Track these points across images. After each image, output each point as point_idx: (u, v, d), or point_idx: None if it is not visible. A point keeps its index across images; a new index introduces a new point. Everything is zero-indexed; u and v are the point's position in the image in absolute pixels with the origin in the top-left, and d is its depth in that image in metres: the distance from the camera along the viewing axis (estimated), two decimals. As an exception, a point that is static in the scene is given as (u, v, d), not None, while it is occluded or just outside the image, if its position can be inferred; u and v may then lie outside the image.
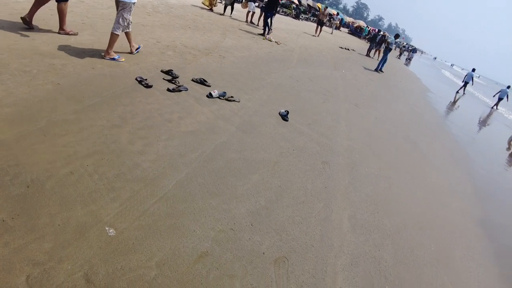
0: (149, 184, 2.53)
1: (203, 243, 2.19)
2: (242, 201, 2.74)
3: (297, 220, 2.78)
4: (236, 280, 2.02)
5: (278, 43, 11.23)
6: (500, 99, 18.95)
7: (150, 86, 4.24)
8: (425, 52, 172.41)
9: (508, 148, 10.28)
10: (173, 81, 4.65)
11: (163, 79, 4.68)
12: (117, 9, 4.70)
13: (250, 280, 2.06)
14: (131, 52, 5.27)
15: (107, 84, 3.97)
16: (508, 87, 19.61)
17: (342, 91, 8.11)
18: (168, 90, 4.34)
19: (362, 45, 27.53)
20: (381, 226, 3.23)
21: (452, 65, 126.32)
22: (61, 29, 5.19)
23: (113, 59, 4.83)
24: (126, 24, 4.79)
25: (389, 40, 15.38)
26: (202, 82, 5.00)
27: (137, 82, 4.27)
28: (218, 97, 4.68)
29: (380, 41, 18.80)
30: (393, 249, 3.00)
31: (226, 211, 2.55)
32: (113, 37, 4.71)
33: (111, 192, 2.35)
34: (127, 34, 5.02)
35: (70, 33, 5.26)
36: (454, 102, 15.84)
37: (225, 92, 4.81)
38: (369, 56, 18.86)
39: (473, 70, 21.69)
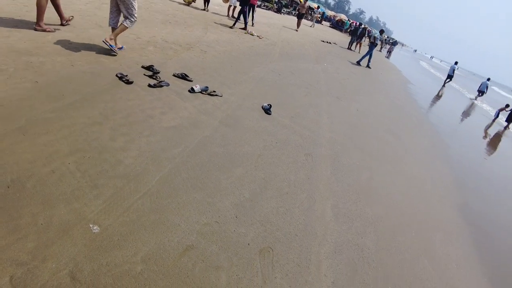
0: (132, 180, 2.53)
1: (188, 236, 2.21)
2: (226, 194, 2.77)
3: (281, 211, 2.83)
4: (222, 272, 2.06)
5: (260, 37, 11.24)
6: (480, 91, 19.62)
7: (131, 82, 4.20)
8: (405, 45, 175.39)
9: (485, 137, 10.65)
10: (154, 77, 4.61)
11: (144, 75, 4.63)
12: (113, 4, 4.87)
13: (236, 271, 2.11)
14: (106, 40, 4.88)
15: (87, 81, 3.91)
16: (488, 79, 20.28)
17: (324, 84, 8.20)
18: (149, 85, 4.31)
19: (343, 38, 27.78)
20: (363, 214, 3.33)
21: (431, 57, 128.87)
22: (38, 25, 5.06)
23: (120, 48, 5.26)
24: (135, 20, 4.93)
25: (375, 36, 15.44)
26: (184, 77, 4.98)
27: (117, 78, 4.22)
28: (200, 92, 4.68)
29: (361, 34, 19.04)
30: (375, 236, 3.10)
31: (210, 205, 2.57)
32: (123, 28, 4.92)
33: (94, 190, 2.34)
34: (120, 26, 4.95)
35: (47, 30, 5.14)
36: (439, 95, 16.16)
37: (207, 87, 4.81)
38: (351, 49, 19.09)
39: (456, 63, 22.26)
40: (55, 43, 4.73)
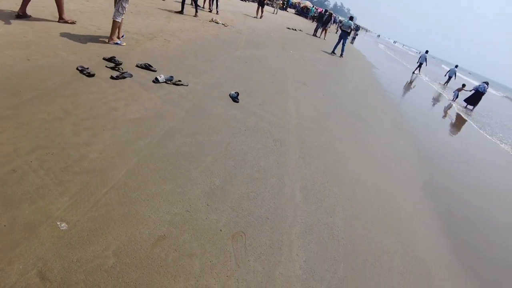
0: (99, 175, 2.49)
1: (159, 227, 2.22)
2: (196, 183, 2.79)
3: (252, 196, 2.89)
4: (195, 259, 2.10)
5: (225, 25, 11.11)
6: (449, 77, 20.66)
7: (93, 75, 4.06)
8: (369, 30, 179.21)
9: (444, 116, 11.23)
10: (117, 68, 4.48)
11: (106, 66, 4.49)
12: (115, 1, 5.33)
13: (209, 257, 2.15)
14: (109, 41, 5.60)
15: (45, 75, 3.74)
16: (456, 66, 21.34)
17: (290, 71, 8.29)
18: (112, 77, 4.19)
19: (309, 25, 27.97)
20: (332, 194, 3.46)
21: (394, 42, 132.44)
22: (61, 18, 5.72)
23: (116, 43, 5.60)
24: (124, 12, 5.35)
25: (344, 23, 15.02)
26: (147, 67, 4.87)
27: (78, 71, 4.06)
28: (165, 82, 4.60)
29: (326, 21, 19.24)
30: (344, 215, 3.24)
31: (180, 194, 2.58)
32: (115, 24, 5.43)
33: (59, 186, 2.28)
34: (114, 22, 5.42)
35: (69, 21, 5.79)
36: (410, 82, 16.67)
37: (172, 76, 4.74)
38: (316, 36, 19.28)
39: (427, 52, 23.09)
40: (7, 36, 4.46)
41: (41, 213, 2.04)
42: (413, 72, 22.11)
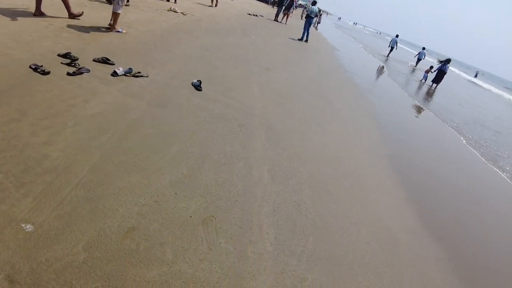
0: (62, 173, 2.45)
1: (128, 219, 2.24)
2: (163, 173, 2.80)
3: (220, 181, 2.96)
4: (167, 247, 2.14)
5: (184, 13, 10.88)
6: (419, 59, 21.61)
7: (48, 73, 3.89)
8: (330, 13, 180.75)
9: (412, 95, 11.72)
10: (73, 64, 4.33)
11: (62, 63, 4.30)
12: None
13: (181, 243, 2.20)
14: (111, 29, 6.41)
15: None
16: (423, 48, 22.34)
17: (252, 56, 8.31)
18: (68, 74, 4.05)
19: (269, 10, 27.87)
20: (298, 173, 3.59)
21: (355, 23, 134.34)
22: (70, 14, 6.32)
23: (118, 31, 6.45)
24: (123, 4, 6.20)
25: (310, 10, 14.86)
26: (105, 61, 4.73)
27: (32, 70, 3.87)
28: (124, 74, 4.50)
29: (288, 6, 19.24)
30: (310, 191, 3.38)
31: (147, 186, 2.60)
32: (117, 15, 6.26)
33: (21, 188, 2.22)
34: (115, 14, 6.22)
35: (77, 15, 6.43)
36: (382, 68, 17.05)
37: (131, 69, 4.64)
38: (277, 21, 19.27)
39: (397, 36, 24.04)
40: None
41: (3, 217, 2.00)
42: (387, 56, 23.15)
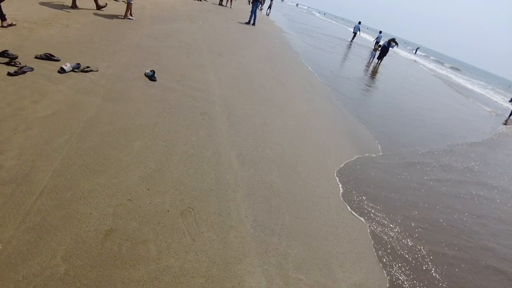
0: (22, 183, 2.24)
1: (104, 221, 2.13)
2: (131, 170, 2.68)
3: (191, 172, 2.90)
4: (149, 244, 2.08)
5: (125, 1, 10.23)
6: (377, 42, 22.32)
7: None
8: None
9: (363, 72, 12.19)
10: (13, 63, 3.89)
11: None
12: None
13: (163, 238, 2.15)
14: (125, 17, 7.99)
15: None
16: (380, 32, 23.18)
17: (203, 42, 8.10)
18: (10, 74, 3.64)
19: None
20: (265, 156, 3.64)
21: (297, 4, 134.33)
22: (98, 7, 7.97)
23: (130, 18, 8.00)
24: None
25: None
26: (49, 57, 4.32)
27: None
28: (72, 70, 4.16)
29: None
30: (279, 172, 3.45)
31: (117, 185, 2.47)
32: (130, 5, 7.94)
33: (-26, 204, 2.01)
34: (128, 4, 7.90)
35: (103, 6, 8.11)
36: (317, 42, 17.34)
37: (79, 64, 4.29)
38: (222, 5, 18.88)
39: (359, 22, 25.18)
40: None
41: (-41, 238, 1.80)
42: (351, 41, 24.62)
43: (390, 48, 16.39)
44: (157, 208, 2.38)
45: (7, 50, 4.14)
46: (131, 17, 8.04)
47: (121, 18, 7.91)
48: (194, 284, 1.92)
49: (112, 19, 7.68)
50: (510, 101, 15.16)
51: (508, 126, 11.85)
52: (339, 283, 2.37)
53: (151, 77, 4.67)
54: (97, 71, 4.40)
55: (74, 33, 5.74)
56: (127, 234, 2.09)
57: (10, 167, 2.35)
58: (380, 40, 23.07)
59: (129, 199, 2.37)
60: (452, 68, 46.51)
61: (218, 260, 2.13)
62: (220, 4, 19.14)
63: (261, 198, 2.90)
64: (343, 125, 5.73)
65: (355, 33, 25.28)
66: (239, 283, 2.04)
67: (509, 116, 13.72)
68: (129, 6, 7.92)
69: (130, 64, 4.99)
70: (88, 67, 4.36)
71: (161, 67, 5.27)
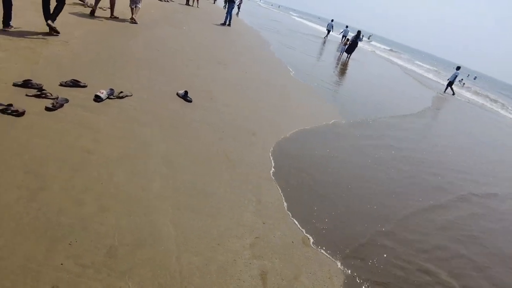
0: (154, 244, 2.15)
1: (251, 265, 2.16)
2: (239, 206, 2.70)
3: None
4: (301, 277, 2.11)
5: (104, 9, 9.66)
6: (344, 36, 22.94)
7: (23, 113, 3.12)
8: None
9: (335, 66, 12.56)
10: (43, 95, 3.57)
11: (27, 95, 3.47)
12: None
13: (306, 269, 2.18)
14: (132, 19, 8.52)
15: None
16: (347, 26, 23.90)
17: (197, 51, 7.99)
18: (48, 109, 3.30)
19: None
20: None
21: (279, 6, 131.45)
22: (112, 15, 8.34)
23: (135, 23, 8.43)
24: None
25: None
26: (76, 84, 4.02)
27: None
28: (108, 97, 3.93)
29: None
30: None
31: (238, 224, 2.48)
32: (137, 9, 8.49)
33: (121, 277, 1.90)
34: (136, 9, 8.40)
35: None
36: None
37: (112, 89, 4.01)
38: (189, 5, 18.39)
39: (332, 20, 27.22)
40: None
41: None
42: (325, 38, 25.94)
43: (359, 42, 16.88)
44: (282, 240, 2.43)
45: (30, 80, 3.78)
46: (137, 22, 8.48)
47: (104, 22, 7.86)
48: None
49: (103, 26, 7.37)
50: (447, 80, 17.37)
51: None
52: None
53: (185, 97, 4.57)
54: (131, 95, 4.21)
55: (78, 50, 5.34)
56: (278, 272, 2.13)
57: (126, 226, 2.17)
58: (347, 34, 23.81)
59: (257, 237, 2.38)
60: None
61: None
62: (187, 4, 18.66)
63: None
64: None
65: (328, 30, 26.94)
66: None
67: (445, 90, 16.94)
68: (136, 10, 8.44)
69: (153, 84, 4.86)
70: (121, 92, 4.15)
71: (181, 83, 5.17)
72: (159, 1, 15.91)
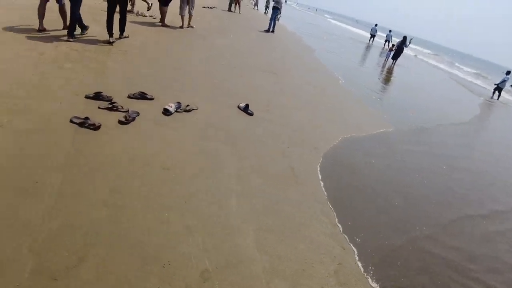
0: (240, 266, 2.13)
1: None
2: (312, 225, 2.60)
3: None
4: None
5: (154, 17, 10.01)
6: (387, 40, 22.50)
7: (99, 126, 3.20)
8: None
9: (381, 71, 12.19)
10: (115, 108, 3.67)
11: (100, 107, 3.60)
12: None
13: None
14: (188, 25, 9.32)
15: (37, 150, 2.65)
16: (390, 30, 23.87)
17: (248, 59, 8.05)
18: (121, 122, 3.40)
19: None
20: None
21: (285, 1, 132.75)
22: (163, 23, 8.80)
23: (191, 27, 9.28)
24: (185, 7, 8.87)
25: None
26: (143, 96, 4.13)
27: (77, 125, 3.14)
28: (176, 111, 3.99)
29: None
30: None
31: (319, 248, 2.40)
32: (191, 16, 9.21)
33: None
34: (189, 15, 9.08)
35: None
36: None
37: (179, 103, 4.09)
38: (231, 11, 18.65)
39: (376, 25, 26.01)
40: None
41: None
42: (368, 43, 25.35)
43: (404, 47, 16.27)
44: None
45: (101, 92, 3.92)
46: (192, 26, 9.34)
47: (157, 30, 7.78)
48: None
49: (157, 35, 7.59)
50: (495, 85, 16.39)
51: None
52: None
53: (246, 110, 4.56)
54: (197, 109, 4.25)
55: (138, 61, 5.51)
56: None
57: (212, 248, 2.16)
58: (390, 38, 23.06)
59: (340, 263, 2.32)
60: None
61: None
62: (229, 10, 18.93)
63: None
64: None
65: (372, 35, 25.73)
66: None
67: (493, 96, 16.16)
68: (190, 17, 9.18)
69: (215, 96, 4.95)
70: (188, 105, 4.20)
71: (239, 94, 5.20)
72: (203, 8, 16.25)
